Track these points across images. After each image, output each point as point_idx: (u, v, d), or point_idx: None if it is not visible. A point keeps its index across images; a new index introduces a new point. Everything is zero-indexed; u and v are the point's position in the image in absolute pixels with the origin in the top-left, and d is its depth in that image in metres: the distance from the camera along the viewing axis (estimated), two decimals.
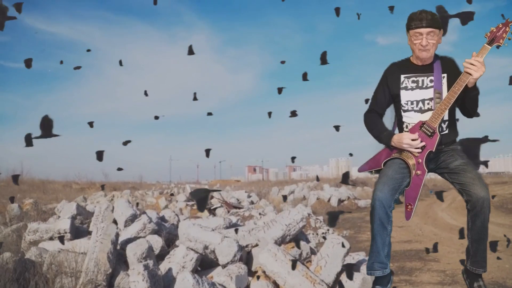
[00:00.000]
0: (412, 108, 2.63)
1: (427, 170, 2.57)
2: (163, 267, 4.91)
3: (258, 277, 4.76)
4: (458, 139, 2.73)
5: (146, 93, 4.96)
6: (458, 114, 2.69)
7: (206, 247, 5.09)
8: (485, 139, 3.19)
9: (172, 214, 7.51)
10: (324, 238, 8.54)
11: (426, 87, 2.60)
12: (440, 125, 2.57)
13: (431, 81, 2.59)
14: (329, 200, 18.12)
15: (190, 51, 4.26)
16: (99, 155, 3.88)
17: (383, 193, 2.45)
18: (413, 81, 2.64)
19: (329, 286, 4.61)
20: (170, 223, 6.91)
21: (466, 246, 2.62)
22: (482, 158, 3.13)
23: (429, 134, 2.53)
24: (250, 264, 5.28)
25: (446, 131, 2.63)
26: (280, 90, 4.30)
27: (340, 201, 18.26)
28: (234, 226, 6.25)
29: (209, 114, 4.90)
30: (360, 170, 2.88)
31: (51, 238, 5.83)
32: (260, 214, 11.37)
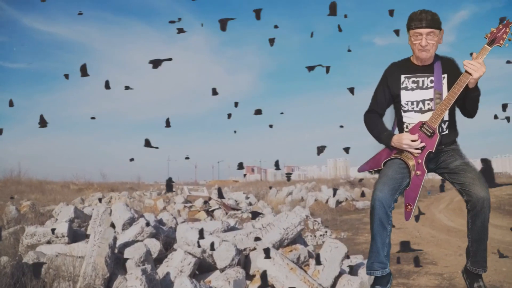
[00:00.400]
0: (412, 108, 2.63)
1: (426, 171, 2.57)
2: (161, 271, 4.92)
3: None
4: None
5: (127, 87, 4.68)
6: (458, 114, 2.69)
7: (204, 251, 5.09)
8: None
9: (170, 217, 7.51)
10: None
11: (427, 88, 2.60)
12: (440, 126, 2.57)
13: (431, 81, 2.59)
14: (327, 202, 18.13)
15: (214, 92, 4.24)
16: (147, 143, 3.94)
17: (383, 193, 2.46)
18: (413, 82, 2.64)
19: None
20: (168, 226, 6.91)
21: (466, 246, 2.62)
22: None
23: (429, 134, 2.53)
24: (248, 268, 5.28)
25: (446, 132, 2.63)
26: (320, 150, 4.10)
27: (338, 202, 18.27)
28: (232, 230, 6.25)
29: (258, 112, 4.37)
30: (360, 170, 2.87)
31: (48, 242, 5.82)
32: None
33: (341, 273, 4.88)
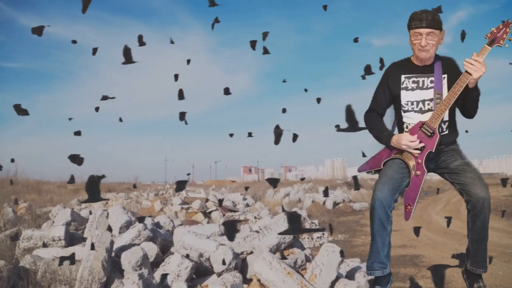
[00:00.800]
0: (412, 108, 2.64)
1: (426, 171, 2.59)
2: (158, 275, 4.90)
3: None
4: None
5: (120, 120, 4.87)
6: (458, 114, 2.70)
7: (201, 255, 5.08)
8: None
9: (167, 220, 7.50)
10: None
11: (427, 88, 2.61)
12: (440, 126, 2.59)
13: (431, 81, 2.61)
14: (324, 203, 18.13)
15: (227, 92, 4.22)
16: (75, 159, 3.75)
17: (383, 193, 2.47)
18: (413, 82, 2.65)
19: None
20: (165, 230, 6.90)
21: (466, 246, 2.63)
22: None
23: (429, 134, 2.54)
24: (245, 271, 5.28)
25: (446, 132, 2.64)
26: (283, 110, 4.15)
27: (336, 203, 18.28)
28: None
29: (227, 92, 4.49)
30: (360, 170, 2.89)
31: (44, 245, 5.80)
32: (255, 218, 11.37)
33: (338, 277, 4.88)
